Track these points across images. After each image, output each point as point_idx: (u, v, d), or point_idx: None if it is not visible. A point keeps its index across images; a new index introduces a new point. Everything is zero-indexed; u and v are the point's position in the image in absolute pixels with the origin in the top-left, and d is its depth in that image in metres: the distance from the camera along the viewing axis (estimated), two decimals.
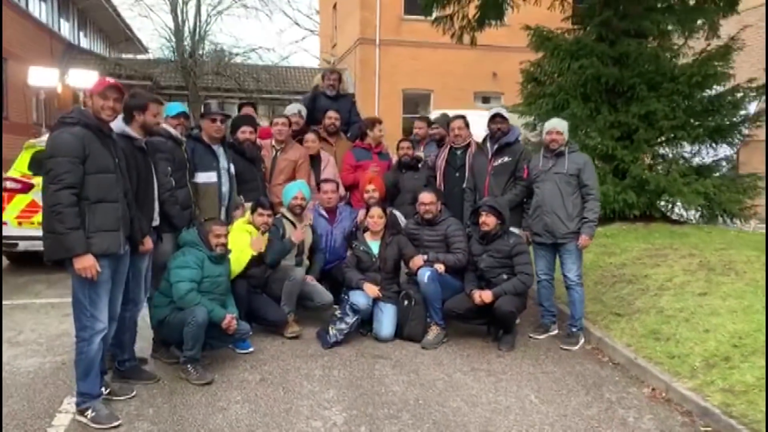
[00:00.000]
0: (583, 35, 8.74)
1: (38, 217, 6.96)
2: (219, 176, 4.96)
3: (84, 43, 24.84)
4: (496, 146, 5.55)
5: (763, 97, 8.35)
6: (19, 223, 7.09)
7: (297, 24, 45.63)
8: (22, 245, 7.13)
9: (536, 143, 8.00)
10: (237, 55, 19.75)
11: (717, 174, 8.48)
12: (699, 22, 9.32)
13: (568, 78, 8.33)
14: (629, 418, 3.84)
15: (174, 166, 4.48)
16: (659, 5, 8.89)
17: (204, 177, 4.86)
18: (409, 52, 21.87)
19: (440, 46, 20.75)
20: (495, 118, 5.54)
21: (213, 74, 19.00)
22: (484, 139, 5.69)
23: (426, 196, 5.38)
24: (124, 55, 24.40)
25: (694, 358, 4.33)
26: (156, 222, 4.17)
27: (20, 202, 7.13)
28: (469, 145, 5.86)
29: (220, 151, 5.03)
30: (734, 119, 8.40)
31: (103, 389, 3.77)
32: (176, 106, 4.66)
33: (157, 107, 3.99)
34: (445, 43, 17.66)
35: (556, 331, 5.38)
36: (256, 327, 5.01)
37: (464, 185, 5.76)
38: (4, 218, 7.11)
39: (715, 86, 8.55)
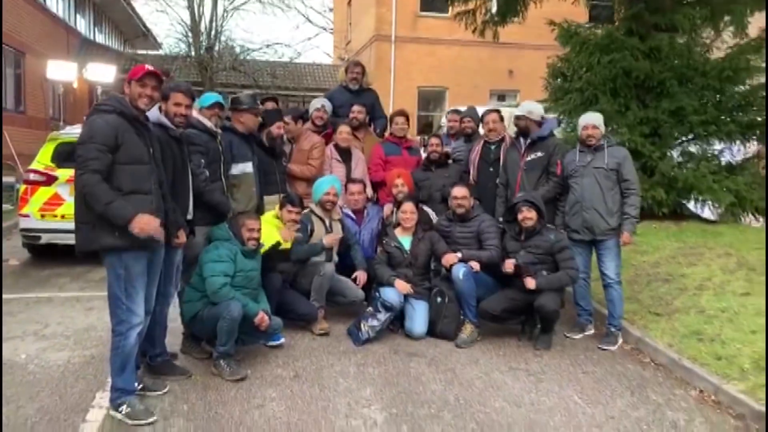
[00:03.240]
0: (613, 29, 8.56)
1: (61, 210, 6.93)
2: (254, 166, 4.85)
3: (99, 38, 24.80)
4: (528, 141, 5.41)
5: None
6: (42, 216, 7.02)
7: (309, 21, 45.61)
8: (45, 238, 7.07)
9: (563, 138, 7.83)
10: (253, 50, 19.68)
11: (749, 171, 8.27)
12: (726, 18, 9.15)
13: (597, 73, 8.16)
14: (680, 421, 3.70)
15: (208, 159, 4.39)
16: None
17: (241, 168, 4.75)
18: (424, 49, 21.75)
19: (456, 42, 20.63)
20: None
21: (229, 70, 18.91)
22: (518, 134, 5.55)
23: (458, 191, 5.26)
24: (139, 51, 24.37)
25: (743, 359, 4.18)
26: (190, 215, 4.07)
27: (43, 194, 7.06)
28: (503, 139, 5.73)
29: (254, 141, 4.94)
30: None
31: (137, 384, 3.68)
32: (211, 97, 4.54)
33: (182, 96, 3.82)
34: (460, 39, 17.54)
35: (592, 331, 5.24)
36: (285, 322, 4.89)
37: (497, 180, 5.63)
38: (27, 210, 7.06)
39: (748, 81, 8.33)
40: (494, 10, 11.10)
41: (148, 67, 3.41)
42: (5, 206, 10.94)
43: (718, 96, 7.99)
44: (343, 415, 3.64)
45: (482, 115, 5.88)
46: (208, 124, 4.40)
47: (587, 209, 4.99)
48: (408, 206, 5.23)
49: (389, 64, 21.60)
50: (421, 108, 22.33)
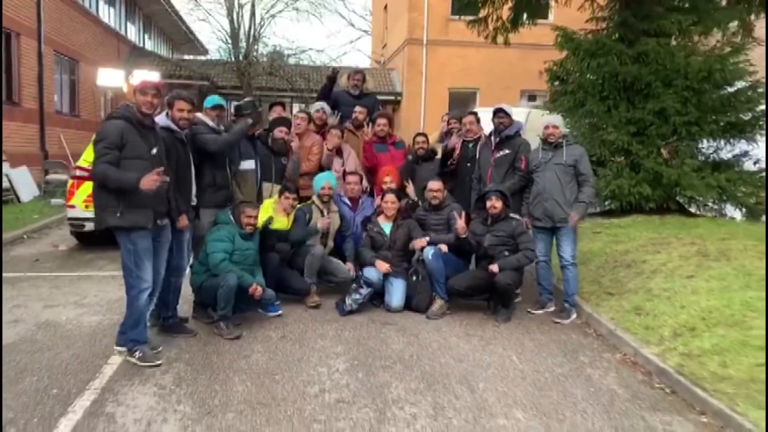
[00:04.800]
0: (604, 35, 9.12)
1: None
2: (256, 164, 5.73)
3: (149, 45, 26.36)
4: (498, 139, 6.12)
5: None
6: (86, 207, 8.03)
7: (352, 25, 46.96)
8: (88, 226, 8.09)
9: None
10: (289, 56, 20.71)
11: (737, 169, 8.70)
12: (735, 23, 9.59)
13: (587, 76, 8.75)
14: (595, 376, 4.37)
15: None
16: (683, 5, 9.18)
17: (246, 164, 5.67)
18: (455, 52, 22.31)
19: (486, 45, 20.93)
20: (498, 113, 6.11)
21: (266, 74, 19.99)
22: (490, 133, 6.26)
23: (434, 184, 6.01)
24: (185, 57, 25.77)
25: (665, 329, 4.80)
26: (194, 202, 4.94)
27: (87, 188, 8.07)
28: (479, 138, 6.44)
29: (257, 142, 5.80)
30: (753, 114, 8.60)
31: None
32: (213, 99, 5.42)
33: (183, 103, 4.66)
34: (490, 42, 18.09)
35: (552, 308, 5.90)
36: (283, 296, 5.73)
37: (473, 175, 6.34)
38: (73, 202, 8.11)
39: (737, 83, 8.76)
40: (505, 17, 11.73)
41: (148, 80, 4.35)
42: (59, 201, 12.16)
43: (697, 97, 8.43)
44: (312, 364, 4.45)
45: (461, 117, 6.62)
46: (211, 123, 5.26)
47: (548, 200, 5.66)
48: (389, 197, 6.02)
49: (421, 67, 22.32)
50: (452, 109, 22.91)
